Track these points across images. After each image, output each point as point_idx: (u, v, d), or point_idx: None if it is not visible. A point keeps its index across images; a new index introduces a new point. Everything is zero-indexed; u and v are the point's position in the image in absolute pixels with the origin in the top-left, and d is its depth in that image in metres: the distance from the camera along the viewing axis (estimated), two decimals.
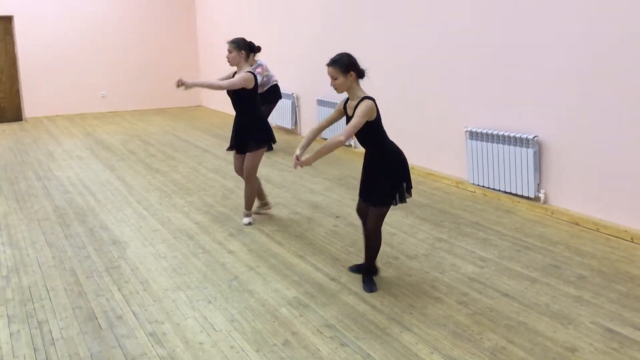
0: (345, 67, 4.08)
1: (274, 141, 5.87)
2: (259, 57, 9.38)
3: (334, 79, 4.12)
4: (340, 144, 4.03)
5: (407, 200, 4.26)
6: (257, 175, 5.84)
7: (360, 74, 4.13)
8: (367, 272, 4.36)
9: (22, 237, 5.60)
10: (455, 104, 7.07)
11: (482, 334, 3.66)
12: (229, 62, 5.65)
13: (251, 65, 8.99)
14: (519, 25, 6.13)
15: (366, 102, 4.03)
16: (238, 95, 5.62)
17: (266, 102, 9.05)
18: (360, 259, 4.88)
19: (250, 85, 5.53)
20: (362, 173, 4.35)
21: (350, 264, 4.78)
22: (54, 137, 10.91)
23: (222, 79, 5.79)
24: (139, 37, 14.23)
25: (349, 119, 4.19)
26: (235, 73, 5.75)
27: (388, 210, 4.25)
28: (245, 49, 5.61)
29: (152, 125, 12.23)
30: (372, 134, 4.15)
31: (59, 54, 13.47)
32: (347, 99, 4.26)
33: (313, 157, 4.13)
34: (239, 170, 5.87)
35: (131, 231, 5.69)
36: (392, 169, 4.18)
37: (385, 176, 4.16)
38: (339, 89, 4.14)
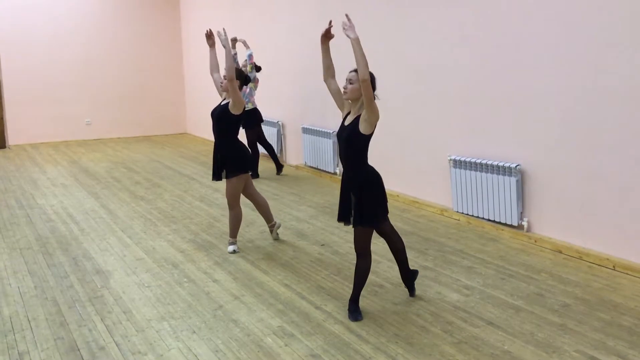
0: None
1: (250, 169, 5.83)
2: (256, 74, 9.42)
3: (350, 83, 4.16)
4: (365, 60, 4.04)
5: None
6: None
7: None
8: (353, 301, 4.35)
9: (4, 266, 5.53)
10: (439, 133, 7.15)
11: None
12: (223, 89, 5.72)
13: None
14: (502, 55, 6.24)
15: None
16: (222, 119, 5.64)
17: (246, 126, 9.01)
18: (347, 288, 4.87)
19: (238, 112, 5.57)
20: (342, 196, 4.34)
21: (336, 293, 4.77)
22: (38, 165, 10.84)
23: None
24: (124, 65, 14.27)
25: (342, 130, 4.24)
26: (223, 100, 5.80)
27: (369, 231, 4.27)
28: (240, 79, 5.68)
29: (137, 152, 12.21)
30: (361, 148, 4.18)
31: (44, 81, 13.46)
32: (349, 112, 4.30)
33: (356, 37, 4.17)
34: (243, 194, 5.93)
35: (115, 260, 5.65)
36: (376, 185, 4.23)
37: (370, 194, 4.19)
38: (349, 94, 4.18)
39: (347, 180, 4.29)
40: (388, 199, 4.40)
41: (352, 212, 4.23)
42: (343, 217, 4.36)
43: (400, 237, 4.60)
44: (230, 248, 5.80)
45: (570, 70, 5.53)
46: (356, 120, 4.15)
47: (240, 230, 6.00)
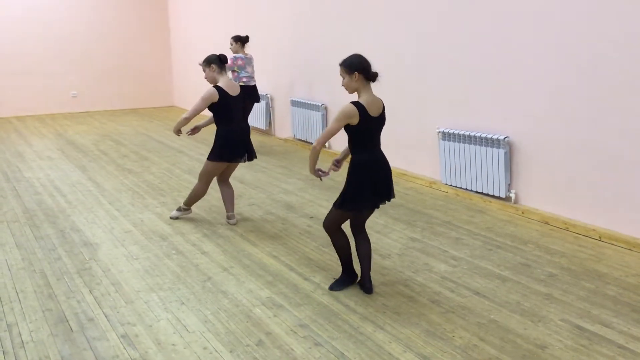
0: (349, 67, 4.02)
1: (228, 160, 5.64)
2: (248, 48, 9.23)
3: (342, 78, 4.08)
4: (312, 150, 4.05)
5: (361, 211, 4.21)
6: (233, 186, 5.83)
7: (369, 75, 4.04)
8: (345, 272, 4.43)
9: None
10: (428, 105, 7.14)
11: (454, 332, 3.70)
12: (208, 82, 5.64)
13: (245, 55, 8.91)
14: (491, 28, 6.21)
15: (344, 106, 3.98)
16: (211, 110, 5.59)
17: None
18: (335, 259, 4.90)
19: (215, 99, 5.46)
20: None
21: (324, 264, 4.79)
22: (24, 138, 10.73)
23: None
24: (111, 37, 14.07)
25: None
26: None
27: (343, 215, 4.17)
28: (214, 62, 5.58)
29: (124, 125, 12.11)
30: (350, 136, 4.09)
31: (29, 53, 13.27)
32: None
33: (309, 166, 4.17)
34: (218, 176, 5.85)
35: (103, 232, 5.63)
36: (353, 175, 4.09)
37: (348, 180, 4.11)
38: (347, 89, 4.11)
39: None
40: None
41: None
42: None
43: (369, 241, 4.39)
44: (172, 214, 5.98)
45: (558, 43, 5.52)
46: None
47: (227, 204, 5.92)
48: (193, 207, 6.36)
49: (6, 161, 8.78)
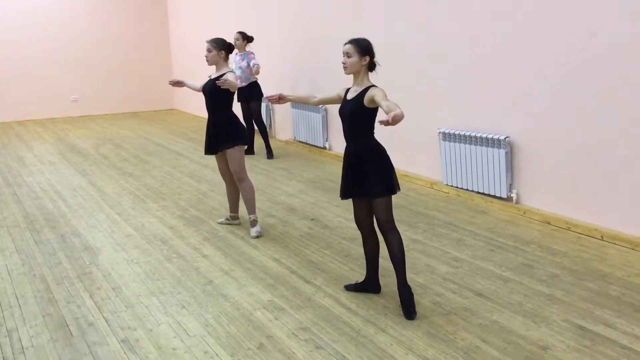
0: (364, 48, 4.00)
1: (249, 142, 5.68)
2: (250, 47, 9.25)
3: (348, 56, 4.00)
4: (401, 113, 3.71)
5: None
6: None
7: (372, 64, 4.06)
8: (409, 296, 3.96)
9: None
10: (429, 106, 7.12)
11: (456, 334, 3.68)
12: (207, 60, 5.50)
13: (243, 53, 8.91)
14: (491, 29, 6.19)
15: (380, 88, 3.94)
16: (218, 96, 5.46)
17: (254, 98, 8.96)
18: (337, 262, 4.88)
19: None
20: (349, 171, 4.06)
21: (326, 266, 4.77)
22: (25, 142, 10.73)
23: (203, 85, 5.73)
24: (111, 41, 14.09)
25: (346, 104, 4.06)
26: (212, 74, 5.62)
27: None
28: (224, 49, 5.53)
29: (124, 129, 12.11)
30: (369, 122, 4.04)
31: (29, 57, 13.29)
32: (349, 88, 4.13)
33: (398, 116, 3.62)
34: (225, 172, 5.72)
35: (103, 237, 5.62)
36: (385, 157, 4.07)
37: (380, 165, 4.02)
38: (349, 68, 4.02)
39: (355, 156, 4.04)
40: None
41: (370, 184, 3.97)
42: (349, 193, 4.10)
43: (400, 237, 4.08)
44: (254, 231, 5.50)
45: (559, 43, 5.50)
46: (361, 94, 3.97)
47: (232, 205, 5.92)
48: (194, 211, 6.35)
49: (7, 166, 8.78)
